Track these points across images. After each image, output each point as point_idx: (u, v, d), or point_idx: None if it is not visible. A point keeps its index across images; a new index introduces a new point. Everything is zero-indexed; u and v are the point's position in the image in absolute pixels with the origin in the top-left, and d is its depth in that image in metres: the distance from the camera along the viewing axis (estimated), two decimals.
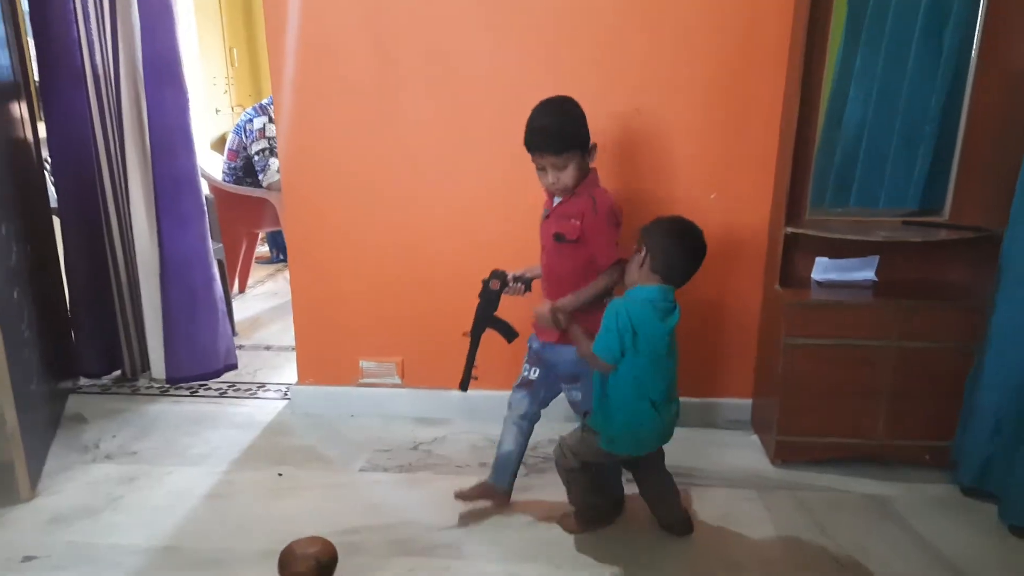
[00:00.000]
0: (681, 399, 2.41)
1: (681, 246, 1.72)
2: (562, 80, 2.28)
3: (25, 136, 2.57)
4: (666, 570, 1.79)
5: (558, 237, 1.83)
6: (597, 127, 2.29)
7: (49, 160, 2.79)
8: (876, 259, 2.29)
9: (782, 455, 2.22)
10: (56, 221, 2.84)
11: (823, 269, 2.30)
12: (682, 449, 2.29)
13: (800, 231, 2.19)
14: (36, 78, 2.69)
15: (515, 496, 2.05)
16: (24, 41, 2.62)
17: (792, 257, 2.29)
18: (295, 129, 2.42)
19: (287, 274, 4.71)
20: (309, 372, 2.68)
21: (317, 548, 0.84)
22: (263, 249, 5.02)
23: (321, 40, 2.32)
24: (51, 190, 2.88)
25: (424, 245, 2.47)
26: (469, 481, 2.07)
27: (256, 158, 3.82)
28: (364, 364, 2.60)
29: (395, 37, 2.30)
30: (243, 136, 3.86)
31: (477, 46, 2.29)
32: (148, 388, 2.90)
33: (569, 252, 1.84)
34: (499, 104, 2.32)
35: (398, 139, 2.39)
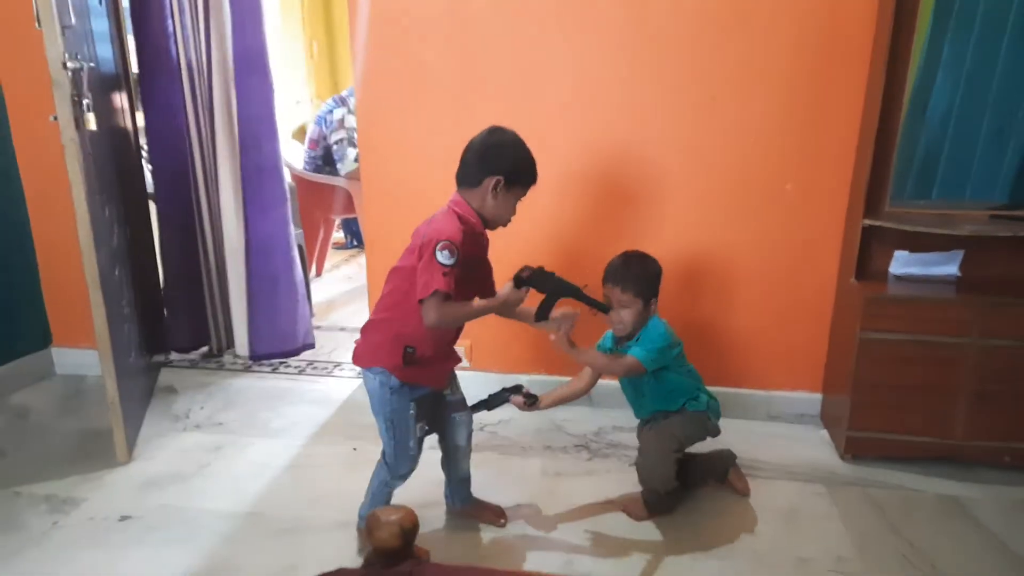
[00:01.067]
0: (747, 391, 2.42)
1: (659, 276, 1.95)
2: (640, 73, 2.29)
3: (125, 125, 2.75)
4: (733, 559, 1.79)
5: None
6: (675, 118, 2.30)
7: (146, 148, 2.97)
8: (960, 254, 2.21)
9: (852, 450, 2.18)
10: (152, 206, 3.03)
11: (902, 263, 2.23)
12: (747, 441, 2.29)
13: (879, 223, 2.13)
14: (135, 70, 2.87)
15: (579, 479, 2.08)
16: (124, 36, 2.79)
17: (870, 250, 2.24)
18: (375, 119, 2.50)
19: (361, 259, 4.88)
20: None
21: (400, 515, 0.90)
22: (338, 235, 5.19)
23: (401, 32, 2.39)
24: (147, 176, 3.06)
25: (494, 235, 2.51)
26: (532, 463, 2.11)
27: (335, 147, 3.96)
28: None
29: (476, 32, 2.35)
30: (323, 126, 4.01)
31: (556, 40, 2.32)
32: (233, 364, 3.07)
33: None
34: (575, 97, 2.34)
35: (472, 128, 2.43)
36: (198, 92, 2.80)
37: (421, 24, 2.37)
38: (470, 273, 1.69)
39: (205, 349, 3.17)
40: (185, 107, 2.82)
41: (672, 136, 2.32)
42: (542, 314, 1.82)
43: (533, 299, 1.81)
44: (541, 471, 2.19)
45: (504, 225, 1.74)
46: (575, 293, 1.79)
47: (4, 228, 2.76)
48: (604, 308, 1.87)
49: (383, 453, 1.81)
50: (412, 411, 1.73)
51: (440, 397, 1.85)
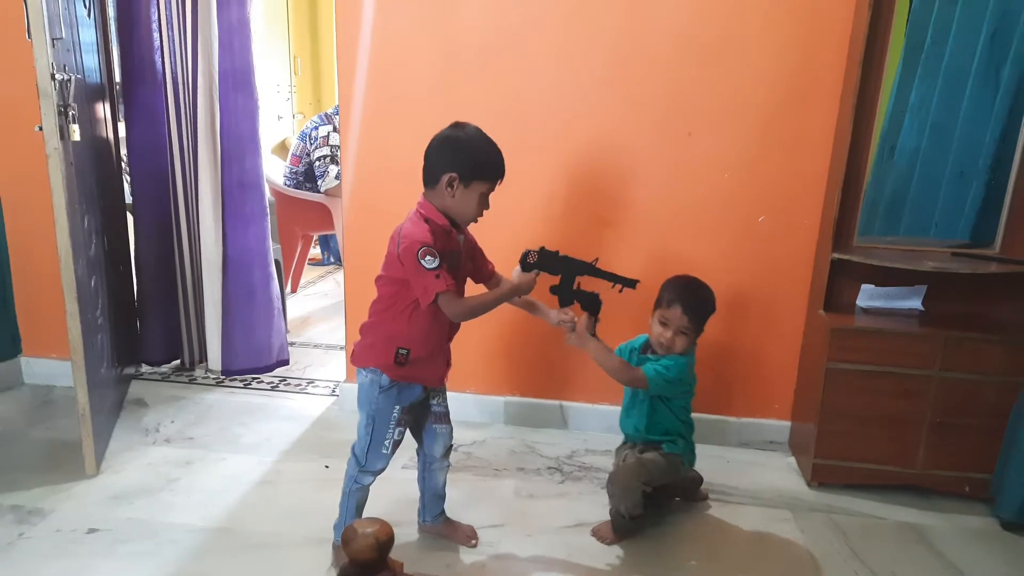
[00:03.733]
0: (719, 417, 2.46)
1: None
2: (619, 107, 2.35)
3: (107, 136, 2.75)
4: None
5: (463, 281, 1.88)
6: (653, 150, 2.37)
7: (127, 158, 2.96)
8: (923, 288, 2.29)
9: (819, 477, 2.23)
10: (129, 217, 3.02)
11: (868, 296, 2.31)
12: (718, 467, 2.33)
13: (847, 257, 2.21)
14: (118, 80, 2.87)
15: (551, 501, 2.11)
16: (110, 46, 2.80)
17: (838, 283, 2.31)
18: (360, 138, 2.54)
19: (337, 276, 4.88)
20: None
21: (376, 527, 0.91)
22: (315, 251, 5.19)
23: (389, 53, 2.43)
24: (126, 187, 3.05)
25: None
26: (506, 484, 2.13)
27: (317, 164, 3.98)
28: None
29: (462, 57, 2.40)
30: (307, 143, 4.03)
31: (540, 74, 2.37)
32: (205, 378, 3.04)
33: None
34: (558, 124, 2.40)
35: None
36: (182, 105, 2.80)
37: (407, 44, 2.42)
38: (455, 273, 1.71)
39: (177, 363, 3.14)
40: (168, 119, 2.82)
41: (650, 168, 2.39)
42: (566, 295, 1.84)
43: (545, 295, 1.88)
44: (514, 492, 2.20)
45: (473, 222, 1.73)
46: (589, 269, 1.80)
47: None
48: (630, 283, 1.83)
49: (353, 446, 1.82)
50: (396, 414, 1.76)
51: (426, 404, 1.87)
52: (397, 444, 1.80)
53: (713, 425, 2.49)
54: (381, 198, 2.57)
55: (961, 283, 2.25)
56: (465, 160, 1.65)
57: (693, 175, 2.37)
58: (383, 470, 1.82)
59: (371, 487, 1.85)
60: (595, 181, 2.42)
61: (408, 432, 1.86)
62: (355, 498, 1.84)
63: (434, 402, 1.88)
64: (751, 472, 2.36)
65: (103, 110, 2.68)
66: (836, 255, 2.21)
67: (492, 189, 1.69)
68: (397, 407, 1.76)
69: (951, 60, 2.20)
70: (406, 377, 1.75)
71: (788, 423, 2.50)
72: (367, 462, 1.80)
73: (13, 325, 2.90)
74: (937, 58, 2.21)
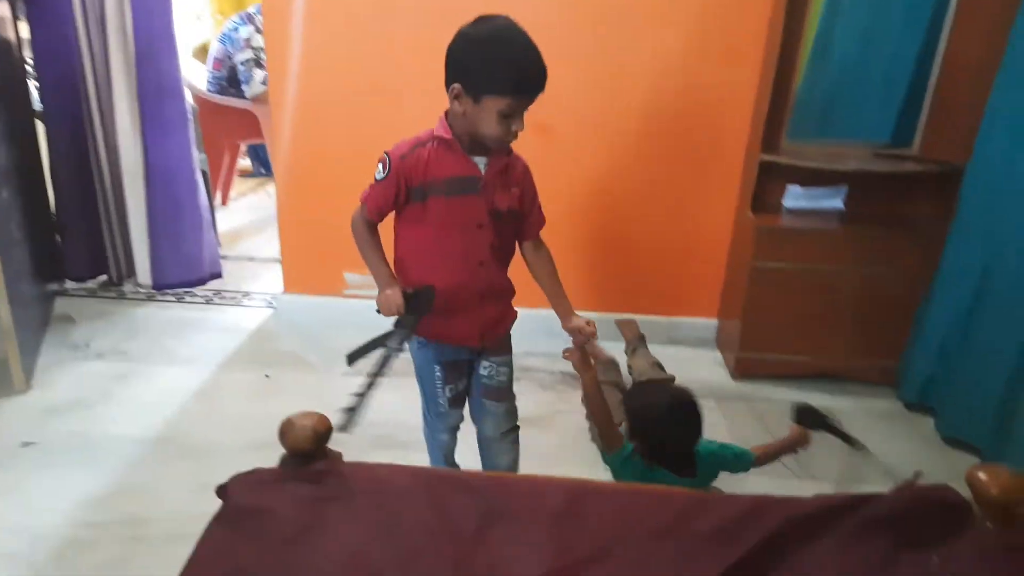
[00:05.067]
0: (650, 318, 2.55)
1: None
2: (557, 4, 2.30)
3: (7, 36, 2.53)
4: None
5: (502, 216, 1.42)
6: (590, 52, 2.33)
7: (32, 63, 2.75)
8: (844, 189, 2.38)
9: (742, 370, 2.37)
10: (40, 125, 2.83)
11: (794, 197, 2.39)
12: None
13: (774, 159, 2.27)
14: None
15: None
16: None
17: (767, 185, 2.37)
18: (285, 39, 2.41)
19: (269, 188, 4.72)
20: (295, 282, 2.76)
21: (313, 420, 0.93)
22: (245, 162, 4.99)
23: None
24: (34, 93, 2.85)
25: None
26: None
27: (241, 68, 3.77)
28: (348, 276, 2.68)
29: None
30: (228, 45, 3.80)
31: None
32: (135, 293, 2.96)
33: (503, 229, 1.45)
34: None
35: (391, 47, 2.39)
36: (88, 3, 2.60)
37: None
38: (440, 205, 1.38)
39: (104, 278, 3.04)
40: (75, 18, 2.61)
41: (588, 72, 2.36)
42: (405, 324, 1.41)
43: None
44: None
45: (500, 145, 1.38)
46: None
47: None
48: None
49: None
50: (439, 373, 1.52)
51: (473, 369, 1.56)
52: (459, 399, 1.57)
53: (647, 325, 2.58)
54: (312, 102, 2.48)
55: (881, 183, 2.34)
56: (471, 69, 1.31)
57: (631, 79, 2.36)
58: (456, 426, 1.61)
59: (320, 396, 1.76)
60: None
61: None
62: (438, 452, 1.66)
63: (483, 369, 1.54)
64: (681, 367, 2.44)
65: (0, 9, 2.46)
66: (765, 157, 2.27)
67: (516, 108, 1.31)
68: (437, 366, 1.51)
69: None
70: (422, 331, 1.46)
71: (716, 321, 2.61)
72: (430, 421, 1.62)
73: None
74: None
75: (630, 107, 2.39)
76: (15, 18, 2.64)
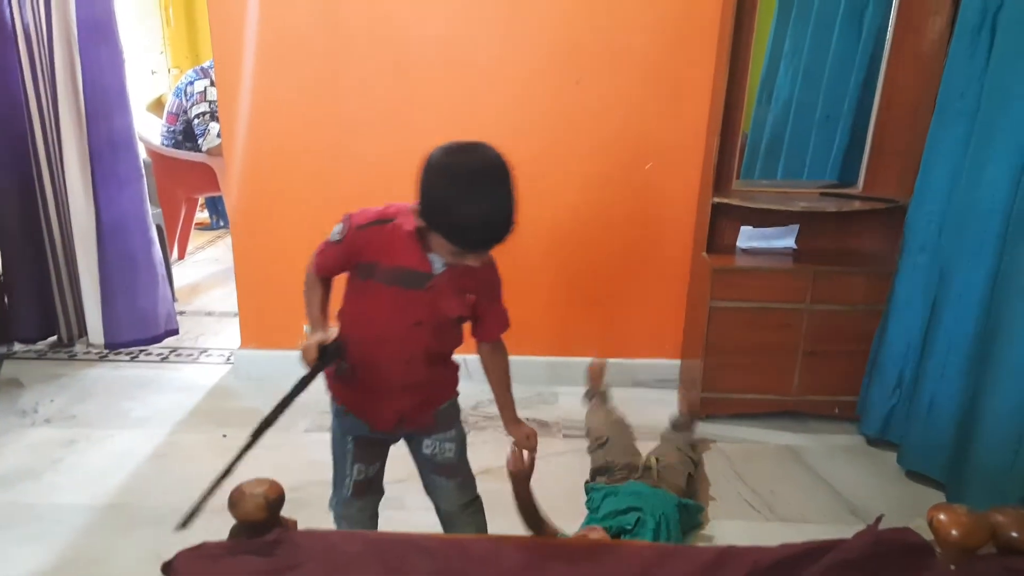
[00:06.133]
0: (613, 360, 2.55)
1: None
2: (508, 56, 2.34)
3: None
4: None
5: (448, 320, 1.33)
6: (543, 101, 2.38)
7: None
8: (796, 228, 2.44)
9: (706, 410, 2.37)
10: None
11: (747, 237, 2.44)
12: (616, 406, 2.43)
13: (726, 201, 2.32)
14: None
15: None
16: None
17: (720, 225, 2.42)
18: (238, 92, 2.41)
19: (228, 240, 4.66)
20: (252, 336, 2.70)
21: (265, 487, 0.89)
22: (202, 215, 4.94)
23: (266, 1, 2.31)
24: None
25: (366, 205, 2.51)
26: None
27: (196, 122, 3.76)
28: (308, 329, 2.63)
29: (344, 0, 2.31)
30: (183, 99, 3.79)
31: (428, 14, 2.32)
32: (86, 353, 2.87)
33: (445, 332, 1.36)
34: (444, 67, 2.37)
35: (343, 101, 2.41)
36: (37, 59, 2.57)
37: None
38: (379, 291, 1.29)
39: (53, 339, 2.95)
40: (23, 75, 2.58)
41: (538, 117, 2.40)
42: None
43: None
44: None
45: (458, 264, 1.26)
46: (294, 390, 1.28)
47: None
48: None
49: None
50: (350, 447, 1.43)
51: (415, 446, 1.47)
52: (363, 487, 1.46)
53: (611, 368, 2.59)
54: (268, 154, 2.47)
55: (830, 221, 2.41)
56: (425, 204, 1.20)
57: (580, 123, 2.41)
58: (349, 515, 1.50)
59: (282, 454, 1.72)
60: (483, 131, 2.40)
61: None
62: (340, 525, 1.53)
63: (426, 448, 1.44)
64: (646, 409, 2.47)
65: None
66: (716, 199, 2.32)
67: (457, 250, 1.20)
68: (351, 439, 1.43)
69: (820, 6, 2.32)
70: (342, 399, 1.41)
71: (678, 361, 2.63)
72: (333, 497, 1.51)
73: None
74: (808, 3, 2.32)
75: (587, 151, 2.43)
76: None
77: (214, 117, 3.74)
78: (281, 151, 2.47)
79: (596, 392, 2.32)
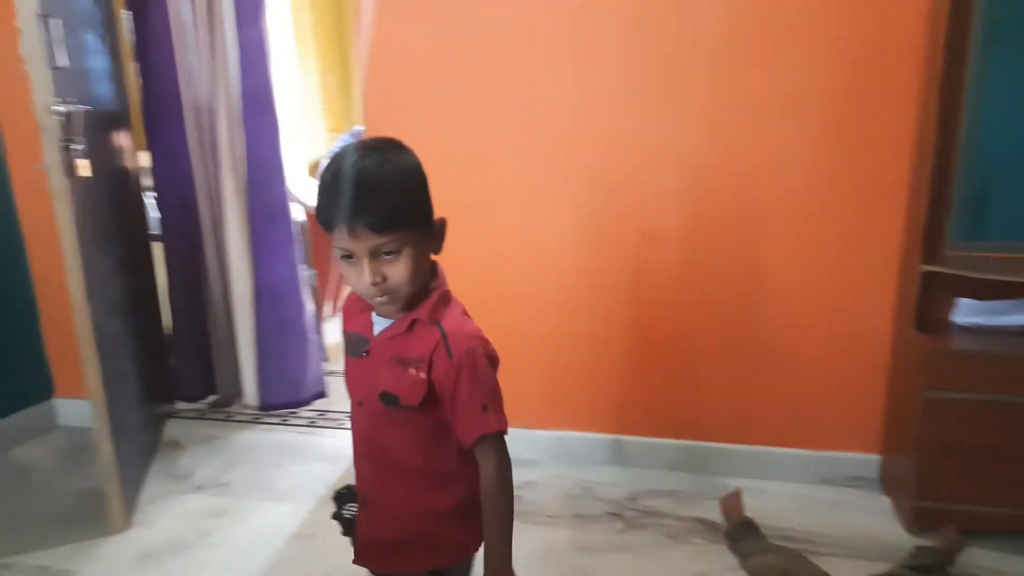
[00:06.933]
0: (795, 451, 2.20)
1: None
2: (662, 109, 2.13)
3: (126, 166, 2.63)
4: None
5: (387, 399, 1.07)
6: (702, 156, 2.13)
7: (154, 190, 2.85)
8: None
9: (920, 522, 1.95)
10: (156, 247, 2.91)
11: (967, 311, 2.02)
12: (801, 510, 2.07)
13: (939, 269, 1.93)
14: (141, 109, 2.76)
15: (613, 556, 1.88)
16: (125, 73, 2.68)
17: (929, 297, 2.02)
18: None
19: None
20: None
21: None
22: None
23: (407, 65, 2.26)
24: (153, 217, 2.94)
25: (510, 273, 2.36)
26: (561, 534, 1.91)
27: None
28: None
29: (484, 61, 2.21)
30: None
31: (570, 75, 2.16)
32: (241, 414, 2.91)
33: (405, 418, 1.08)
34: (592, 138, 2.19)
35: (484, 162, 2.30)
36: (204, 132, 2.68)
37: (427, 56, 2.24)
38: (347, 367, 1.17)
39: (213, 398, 3.02)
40: (188, 147, 2.70)
41: (702, 175, 2.15)
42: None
43: None
44: (571, 545, 1.97)
45: (370, 298, 1.06)
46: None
47: (4, 275, 2.64)
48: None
49: None
50: None
51: None
52: None
53: (789, 460, 2.23)
54: None
55: None
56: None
57: (753, 181, 2.13)
58: None
59: None
60: (638, 192, 2.20)
61: None
62: None
63: None
64: (839, 515, 2.08)
65: (121, 140, 2.56)
66: (927, 267, 1.94)
67: (348, 250, 1.00)
68: None
69: None
70: None
71: (877, 456, 2.21)
72: None
73: (44, 366, 2.81)
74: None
75: (754, 214, 2.14)
76: (135, 148, 2.75)
77: None
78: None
79: (740, 525, 1.92)
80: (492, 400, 1.05)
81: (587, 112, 2.18)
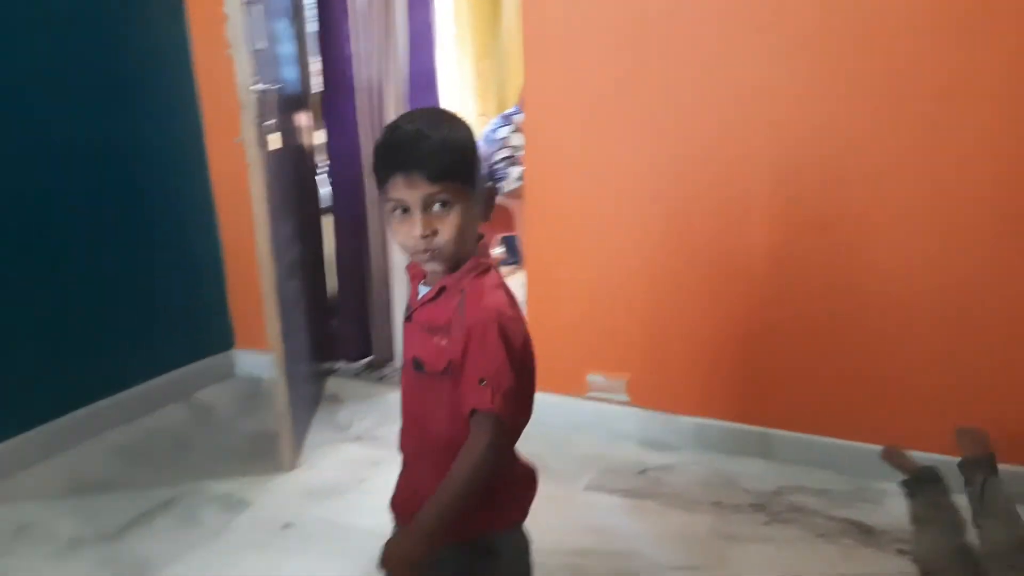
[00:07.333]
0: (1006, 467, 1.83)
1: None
2: (847, 91, 2.02)
3: (304, 144, 2.87)
4: None
5: (417, 365, 1.11)
6: (898, 137, 2.01)
7: (328, 165, 3.09)
8: None
9: None
10: (325, 219, 3.16)
11: None
12: None
13: None
14: (317, 90, 2.99)
15: (755, 545, 1.86)
16: (306, 57, 2.91)
17: None
18: (541, 138, 2.43)
19: (518, 276, 4.84)
20: (538, 378, 2.68)
21: None
22: (499, 250, 5.21)
23: (573, 46, 2.30)
24: (323, 192, 3.19)
25: (663, 259, 2.35)
26: (700, 520, 1.91)
27: (498, 166, 3.96)
28: (591, 378, 2.55)
29: (654, 39, 2.20)
30: (488, 145, 4.02)
31: (747, 46, 2.11)
32: (393, 376, 3.11)
33: (434, 385, 1.10)
34: (770, 110, 2.12)
35: (647, 154, 2.30)
36: (373, 112, 2.87)
37: (594, 34, 2.26)
38: (419, 331, 1.15)
39: (369, 359, 3.24)
40: (358, 126, 2.90)
41: (891, 164, 2.03)
42: None
43: None
44: (710, 531, 1.97)
45: (414, 254, 1.08)
46: None
47: (197, 237, 2.98)
48: None
49: None
50: None
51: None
52: None
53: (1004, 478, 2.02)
54: (564, 198, 2.45)
55: None
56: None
57: (947, 170, 1.97)
58: None
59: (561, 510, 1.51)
60: (814, 181, 2.11)
61: None
62: None
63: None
64: None
65: (300, 119, 2.80)
66: None
67: (403, 193, 1.03)
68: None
69: None
70: None
71: None
72: None
73: (227, 320, 3.14)
74: None
75: (947, 205, 1.99)
76: (311, 127, 2.99)
77: (514, 162, 3.91)
78: (579, 194, 2.42)
79: (915, 474, 1.64)
80: (494, 378, 1.01)
81: (770, 92, 2.12)
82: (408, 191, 1.02)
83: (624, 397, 2.50)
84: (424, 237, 1.03)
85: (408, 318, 1.16)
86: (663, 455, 2.37)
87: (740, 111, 2.15)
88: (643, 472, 2.27)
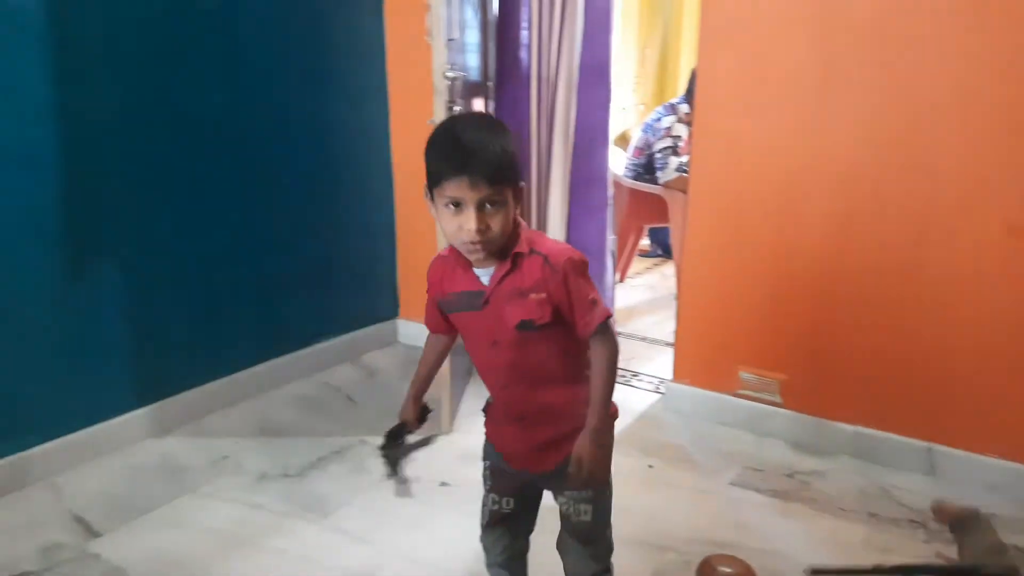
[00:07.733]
0: None
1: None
2: None
3: None
4: None
5: (524, 326, 1.24)
6: None
7: None
8: None
9: None
10: None
11: None
12: None
13: None
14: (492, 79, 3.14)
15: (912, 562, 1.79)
16: (488, 46, 3.06)
17: None
18: (711, 129, 2.43)
19: (664, 269, 4.82)
20: (686, 371, 2.70)
21: (736, 569, 0.83)
22: (643, 242, 5.21)
23: (755, 33, 2.28)
24: None
25: (829, 260, 2.29)
26: (853, 530, 1.87)
27: (658, 155, 3.95)
28: (744, 375, 2.53)
29: (841, 37, 2.15)
30: (650, 134, 4.03)
31: (943, 60, 2.02)
32: None
33: (530, 345, 1.26)
34: (958, 99, 2.02)
35: (823, 150, 2.24)
36: (543, 100, 2.97)
37: (776, 25, 2.24)
38: (457, 320, 1.35)
39: None
40: (529, 114, 3.01)
41: None
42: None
43: None
44: (864, 541, 1.92)
45: (467, 248, 1.21)
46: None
47: (376, 217, 3.24)
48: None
49: None
50: (486, 472, 1.48)
51: (538, 496, 1.47)
52: (498, 517, 1.45)
53: None
54: (732, 194, 2.44)
55: None
56: (426, 166, 1.23)
57: None
58: (486, 549, 1.51)
59: (705, 502, 1.69)
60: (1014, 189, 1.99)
61: None
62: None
63: (560, 503, 1.39)
64: None
65: (479, 106, 2.96)
66: None
67: (457, 193, 1.16)
68: (486, 462, 1.48)
69: None
70: (486, 423, 1.48)
71: None
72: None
73: (394, 292, 3.40)
74: None
75: None
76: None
77: (675, 152, 3.89)
78: (746, 190, 2.41)
79: (958, 522, 1.72)
80: (595, 294, 1.24)
81: (964, 104, 2.02)
82: (469, 192, 1.16)
83: (776, 398, 2.47)
84: (479, 231, 1.17)
85: (483, 303, 1.26)
86: (815, 460, 2.32)
87: (932, 113, 2.05)
88: (792, 475, 2.24)
